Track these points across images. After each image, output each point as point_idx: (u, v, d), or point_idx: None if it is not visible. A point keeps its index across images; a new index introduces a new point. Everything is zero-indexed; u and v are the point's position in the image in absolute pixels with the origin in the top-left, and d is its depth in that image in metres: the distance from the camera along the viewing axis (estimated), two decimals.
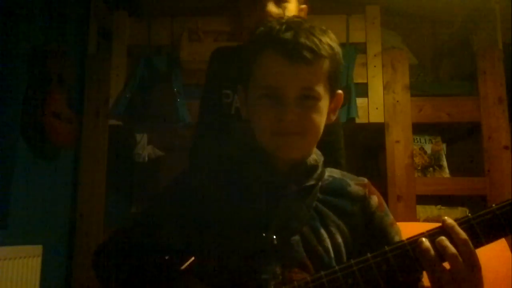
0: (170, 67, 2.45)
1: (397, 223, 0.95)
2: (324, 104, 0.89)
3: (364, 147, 2.81)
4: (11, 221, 1.95)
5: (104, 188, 2.40)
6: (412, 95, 2.41)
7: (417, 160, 2.46)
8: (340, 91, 0.95)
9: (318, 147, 0.96)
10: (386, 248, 0.77)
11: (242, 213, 0.87)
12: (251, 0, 1.30)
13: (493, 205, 0.76)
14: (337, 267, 0.77)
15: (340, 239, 0.87)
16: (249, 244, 0.83)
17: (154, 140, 2.61)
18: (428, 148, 2.52)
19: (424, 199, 2.35)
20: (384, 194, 2.28)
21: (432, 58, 2.97)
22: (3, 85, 2.03)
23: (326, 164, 0.97)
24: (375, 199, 0.94)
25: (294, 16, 0.91)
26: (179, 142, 2.56)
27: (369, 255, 0.77)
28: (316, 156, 0.94)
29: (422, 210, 2.35)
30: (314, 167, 0.92)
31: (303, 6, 1.37)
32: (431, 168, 2.48)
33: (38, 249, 2.01)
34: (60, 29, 2.20)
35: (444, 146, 2.55)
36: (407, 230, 0.88)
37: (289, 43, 0.84)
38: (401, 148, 2.35)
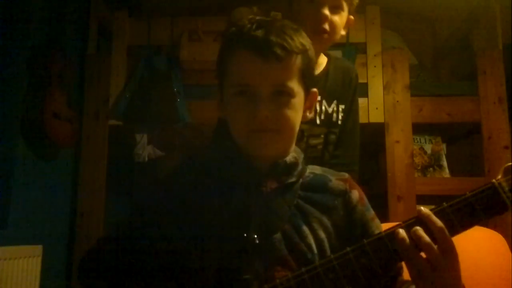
0: (170, 67, 2.46)
1: (397, 223, 0.95)
2: (299, 101, 0.90)
3: (364, 147, 2.81)
4: (11, 221, 1.95)
5: (104, 188, 2.40)
6: (412, 95, 2.41)
7: (417, 160, 2.46)
8: (314, 89, 0.95)
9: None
10: (365, 241, 0.78)
11: (223, 213, 0.87)
12: (308, 2, 1.31)
13: (467, 192, 0.78)
14: (317, 263, 0.78)
15: (323, 235, 0.88)
16: (231, 244, 0.83)
17: (154, 140, 2.61)
18: (428, 148, 2.52)
19: (424, 199, 2.34)
20: (384, 194, 2.29)
21: (432, 58, 2.97)
22: (3, 85, 2.03)
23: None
24: (356, 194, 0.94)
25: (266, 16, 0.92)
26: (179, 142, 2.56)
27: (348, 249, 0.78)
28: (295, 153, 0.94)
29: None
30: (294, 165, 0.92)
31: (351, 17, 1.40)
32: (431, 168, 2.48)
33: (38, 249, 2.01)
34: (60, 29, 2.21)
35: (444, 146, 2.55)
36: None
37: (260, 40, 0.85)
38: (401, 148, 2.35)
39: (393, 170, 2.33)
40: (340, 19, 1.33)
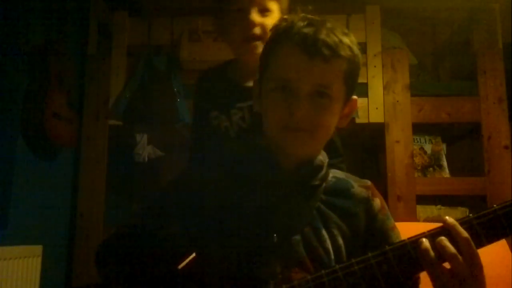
0: (170, 67, 2.45)
1: (397, 223, 0.95)
2: (338, 105, 0.88)
3: (364, 147, 2.81)
4: (11, 221, 1.95)
5: (104, 188, 2.40)
6: (412, 95, 2.41)
7: (417, 160, 2.45)
8: (355, 97, 0.94)
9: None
10: (387, 247, 0.77)
11: (244, 210, 0.86)
12: (234, 10, 1.29)
13: (495, 205, 0.76)
14: (337, 266, 0.77)
15: (341, 241, 0.87)
16: (250, 242, 0.83)
17: (154, 140, 2.61)
18: (428, 148, 2.51)
19: (424, 199, 2.34)
20: (384, 194, 2.29)
21: (432, 58, 2.97)
22: (3, 85, 2.03)
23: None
24: (378, 202, 0.93)
25: (317, 16, 0.91)
26: (179, 142, 2.56)
27: (370, 254, 0.77)
28: (322, 157, 0.93)
29: (422, 210, 2.35)
30: (319, 168, 0.91)
31: (286, 16, 1.37)
32: (431, 168, 2.48)
33: (38, 249, 2.01)
34: (60, 29, 2.20)
35: (444, 146, 2.55)
36: (407, 230, 0.88)
37: (308, 38, 0.84)
38: (401, 148, 2.35)
39: (393, 170, 2.33)
40: (271, 20, 1.27)
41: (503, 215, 0.75)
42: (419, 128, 2.43)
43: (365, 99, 2.38)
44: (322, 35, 0.84)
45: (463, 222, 0.76)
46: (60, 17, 2.22)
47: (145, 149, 2.53)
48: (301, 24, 0.86)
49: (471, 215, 0.77)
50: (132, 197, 2.87)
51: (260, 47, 1.25)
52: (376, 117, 2.38)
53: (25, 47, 2.07)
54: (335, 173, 0.96)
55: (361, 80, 2.39)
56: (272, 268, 0.81)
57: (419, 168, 2.46)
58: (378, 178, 2.49)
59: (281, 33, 0.89)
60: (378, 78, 2.42)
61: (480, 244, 0.75)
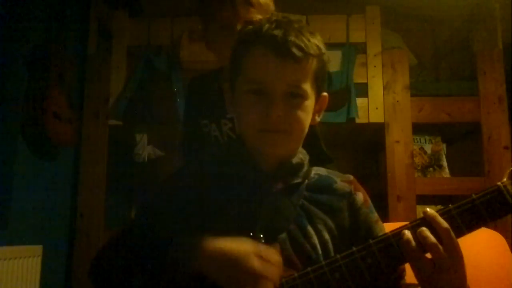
0: (170, 67, 2.45)
1: (397, 223, 0.95)
2: (310, 103, 0.90)
3: (364, 147, 2.81)
4: (11, 221, 1.95)
5: (104, 188, 2.40)
6: (412, 95, 2.41)
7: (417, 160, 2.46)
8: (325, 93, 0.96)
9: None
10: (371, 241, 0.79)
11: (229, 212, 0.87)
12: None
13: (473, 194, 0.79)
14: (323, 262, 0.79)
15: (327, 236, 0.88)
16: None
17: (154, 140, 2.61)
18: (428, 148, 2.52)
19: (424, 199, 2.34)
20: (384, 194, 2.29)
21: (432, 58, 2.97)
22: (3, 85, 2.03)
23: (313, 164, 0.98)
24: (360, 196, 0.95)
25: (283, 16, 0.92)
26: (179, 142, 2.56)
27: (354, 248, 0.79)
28: (301, 155, 0.95)
29: (422, 210, 2.33)
30: (300, 165, 0.93)
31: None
32: (431, 168, 2.48)
33: (38, 249, 2.01)
34: (60, 29, 2.20)
35: (444, 146, 2.55)
36: None
37: (278, 40, 0.85)
38: (401, 148, 2.35)
39: (393, 170, 2.33)
40: (262, 11, 1.26)
41: (480, 204, 0.78)
42: (419, 128, 2.43)
43: (365, 99, 2.39)
44: (292, 36, 0.85)
45: (443, 212, 0.79)
46: (60, 17, 2.22)
47: (145, 149, 2.53)
48: (269, 25, 0.88)
49: (450, 205, 0.80)
50: (132, 197, 2.87)
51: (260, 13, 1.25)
52: (376, 117, 2.38)
53: (25, 47, 2.07)
54: (317, 170, 0.98)
55: (361, 80, 2.42)
56: None
57: (419, 168, 2.46)
58: (378, 178, 2.49)
59: (250, 35, 0.90)
60: (378, 78, 2.42)
61: (461, 233, 0.78)
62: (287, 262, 0.83)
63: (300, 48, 0.85)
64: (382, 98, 2.40)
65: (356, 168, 2.72)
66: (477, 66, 2.42)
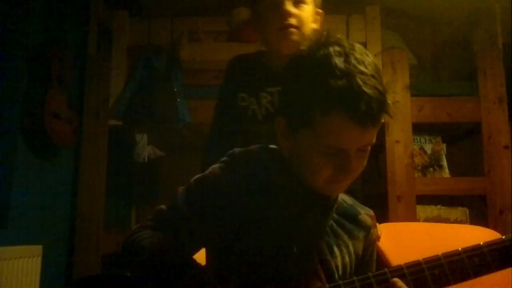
0: (170, 67, 2.45)
1: (397, 223, 0.97)
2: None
3: None
4: (11, 221, 1.95)
5: (104, 188, 2.40)
6: (412, 95, 2.41)
7: (417, 160, 2.45)
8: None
9: None
10: (386, 270, 0.83)
11: (268, 221, 0.89)
12: (269, 1, 1.34)
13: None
14: (355, 278, 0.83)
15: (347, 259, 0.92)
16: (271, 251, 0.87)
17: (154, 140, 2.61)
18: (428, 148, 2.51)
19: (424, 199, 2.34)
20: (384, 194, 2.29)
21: (432, 58, 2.96)
22: (3, 85, 2.03)
23: None
24: (376, 233, 1.01)
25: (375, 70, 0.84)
26: (179, 142, 2.56)
27: (370, 274, 0.83)
28: None
29: (422, 210, 2.34)
30: None
31: (320, 10, 1.42)
32: (431, 168, 2.48)
33: (38, 249, 2.01)
34: (60, 29, 2.21)
35: (444, 146, 2.55)
36: (407, 230, 0.88)
37: (362, 112, 0.79)
38: (401, 148, 2.35)
39: (393, 170, 2.33)
40: (305, 12, 1.34)
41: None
42: (419, 128, 2.43)
43: None
44: (374, 103, 0.80)
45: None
46: (60, 17, 2.22)
47: (145, 149, 2.53)
48: (357, 89, 0.79)
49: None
50: (132, 197, 2.87)
51: (295, 35, 1.31)
52: None
53: (25, 47, 2.07)
54: (343, 197, 0.99)
55: None
56: (292, 278, 0.86)
57: (419, 168, 2.46)
58: (378, 178, 2.49)
59: (332, 94, 0.80)
60: None
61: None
62: (315, 275, 0.87)
63: (379, 113, 0.83)
64: None
65: None
66: (477, 66, 2.42)
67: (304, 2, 1.35)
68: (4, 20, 2.04)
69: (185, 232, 0.92)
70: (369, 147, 0.88)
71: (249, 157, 0.96)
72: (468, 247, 0.83)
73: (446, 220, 2.35)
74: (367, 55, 0.84)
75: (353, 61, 0.81)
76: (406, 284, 0.81)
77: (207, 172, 0.95)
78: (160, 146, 2.62)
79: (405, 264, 0.83)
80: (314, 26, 1.38)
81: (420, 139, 2.51)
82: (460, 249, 0.83)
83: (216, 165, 0.95)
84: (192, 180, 0.96)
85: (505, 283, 1.20)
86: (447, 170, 2.48)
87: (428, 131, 2.52)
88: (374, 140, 0.87)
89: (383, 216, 2.15)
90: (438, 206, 2.39)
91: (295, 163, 0.91)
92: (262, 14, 1.37)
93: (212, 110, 1.57)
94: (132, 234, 0.94)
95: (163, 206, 0.97)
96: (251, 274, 0.85)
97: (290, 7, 1.32)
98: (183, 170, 1.62)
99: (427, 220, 2.33)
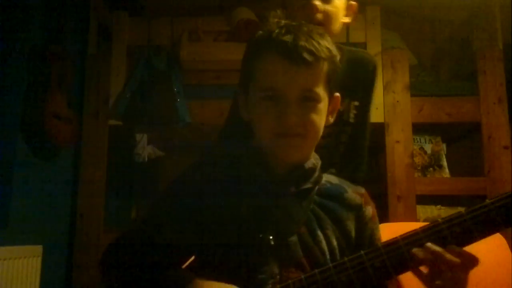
0: (170, 67, 2.45)
1: (397, 223, 0.96)
2: (324, 106, 0.91)
3: None
4: (11, 221, 1.95)
5: (104, 188, 2.40)
6: (412, 95, 2.41)
7: (417, 160, 2.45)
8: (337, 94, 0.96)
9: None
10: (379, 245, 0.80)
11: (240, 213, 0.88)
12: None
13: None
14: (331, 265, 0.79)
15: (335, 243, 0.89)
16: (247, 244, 0.85)
17: (154, 140, 2.61)
18: (428, 148, 2.51)
19: (424, 199, 2.34)
20: (384, 194, 2.29)
21: (432, 58, 2.96)
22: (3, 85, 2.03)
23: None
24: (369, 210, 0.96)
25: (292, 20, 0.93)
26: (179, 142, 2.57)
27: (362, 252, 0.80)
28: (314, 160, 0.95)
29: (422, 210, 2.35)
30: (312, 170, 0.93)
31: (353, 2, 1.38)
32: (431, 168, 2.48)
33: (38, 249, 2.01)
34: (60, 29, 2.20)
35: (444, 146, 2.54)
36: (407, 230, 0.88)
37: (289, 46, 0.86)
38: (401, 148, 2.35)
39: (393, 170, 2.33)
40: (334, 7, 1.31)
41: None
42: (419, 128, 2.43)
43: None
44: (302, 41, 0.86)
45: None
46: (60, 17, 2.22)
47: (145, 149, 2.53)
48: (279, 31, 0.89)
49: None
50: (132, 197, 2.87)
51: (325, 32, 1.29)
52: (376, 117, 2.37)
53: (25, 47, 2.07)
54: (328, 178, 0.98)
55: None
56: (270, 269, 0.83)
57: (419, 168, 2.46)
58: (378, 178, 2.49)
59: (260, 41, 0.91)
60: (378, 78, 2.42)
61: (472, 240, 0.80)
62: (297, 265, 0.84)
63: (311, 52, 0.86)
64: (382, 98, 2.40)
65: None
66: (477, 66, 2.42)
67: None
68: (4, 20, 2.04)
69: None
70: (318, 102, 0.88)
71: (221, 155, 0.99)
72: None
73: None
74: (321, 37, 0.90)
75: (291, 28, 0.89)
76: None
77: (177, 176, 0.97)
78: (160, 146, 2.62)
79: (400, 236, 0.81)
80: (346, 20, 1.35)
81: (420, 139, 2.51)
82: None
83: (186, 167, 0.97)
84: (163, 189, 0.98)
85: (506, 283, 1.20)
86: (447, 170, 2.48)
87: (428, 131, 2.52)
88: (317, 89, 0.88)
89: (383, 216, 2.15)
90: (438, 206, 2.39)
91: (254, 132, 0.92)
92: (291, 11, 1.33)
93: (212, 110, 1.57)
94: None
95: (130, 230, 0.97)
96: (229, 273, 0.83)
97: (318, 3, 1.28)
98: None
99: (427, 220, 2.33)
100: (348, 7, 1.36)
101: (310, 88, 0.87)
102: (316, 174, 0.94)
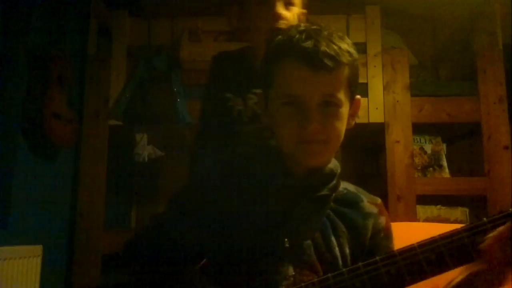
0: (170, 67, 2.45)
1: (397, 223, 0.96)
2: (345, 110, 0.91)
3: (364, 147, 2.81)
4: (11, 221, 1.95)
5: (104, 188, 2.40)
6: (412, 95, 2.41)
7: (417, 160, 2.45)
8: (358, 96, 0.96)
9: None
10: (395, 251, 0.78)
11: (256, 215, 0.88)
12: (260, 2, 1.33)
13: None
14: (344, 270, 0.79)
15: (348, 251, 0.89)
16: (262, 246, 0.86)
17: (154, 140, 2.61)
18: (428, 148, 2.51)
19: (424, 199, 2.34)
20: (384, 194, 2.29)
21: (432, 58, 2.97)
22: (3, 85, 2.03)
23: None
24: (383, 221, 0.96)
25: (311, 24, 0.92)
26: (179, 142, 2.56)
27: (377, 258, 0.78)
28: (333, 166, 0.95)
29: (422, 210, 2.35)
30: (330, 176, 0.93)
31: (304, 10, 1.41)
32: (431, 168, 2.48)
33: (38, 249, 2.01)
34: (60, 29, 2.20)
35: (444, 146, 2.54)
36: (407, 230, 0.88)
37: (310, 51, 0.85)
38: (401, 148, 2.35)
39: (393, 170, 2.33)
40: (292, 14, 1.33)
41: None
42: (419, 128, 2.43)
43: (365, 99, 2.38)
44: (323, 47, 0.85)
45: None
46: (60, 17, 2.22)
47: (145, 149, 2.53)
48: (299, 36, 0.88)
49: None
50: (132, 197, 2.87)
51: None
52: (376, 117, 2.38)
53: (25, 47, 2.07)
54: (346, 185, 0.98)
55: (361, 80, 2.36)
56: (284, 271, 0.84)
57: (419, 168, 2.46)
58: (378, 178, 2.49)
59: (281, 47, 0.90)
60: (378, 78, 2.42)
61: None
62: (311, 268, 0.85)
63: (332, 58, 0.85)
64: (382, 98, 2.40)
65: (356, 168, 2.72)
66: (477, 66, 2.41)
67: (293, 4, 1.34)
68: (4, 20, 2.04)
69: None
70: (339, 107, 0.88)
71: (233, 160, 0.99)
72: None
73: (446, 220, 2.35)
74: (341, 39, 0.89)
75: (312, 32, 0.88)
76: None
77: (187, 182, 0.98)
78: (160, 146, 2.62)
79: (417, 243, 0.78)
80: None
81: (420, 139, 2.51)
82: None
83: (200, 169, 0.97)
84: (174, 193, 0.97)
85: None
86: (447, 170, 2.48)
87: (428, 131, 2.52)
88: (338, 95, 0.87)
89: None
90: (438, 206, 2.39)
91: (275, 137, 0.92)
92: (252, 15, 1.36)
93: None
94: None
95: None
96: (243, 274, 0.84)
97: (281, 10, 1.31)
98: (183, 170, 1.62)
99: (427, 220, 2.33)
100: (300, 14, 1.38)
101: (332, 94, 0.87)
102: (334, 181, 0.94)
